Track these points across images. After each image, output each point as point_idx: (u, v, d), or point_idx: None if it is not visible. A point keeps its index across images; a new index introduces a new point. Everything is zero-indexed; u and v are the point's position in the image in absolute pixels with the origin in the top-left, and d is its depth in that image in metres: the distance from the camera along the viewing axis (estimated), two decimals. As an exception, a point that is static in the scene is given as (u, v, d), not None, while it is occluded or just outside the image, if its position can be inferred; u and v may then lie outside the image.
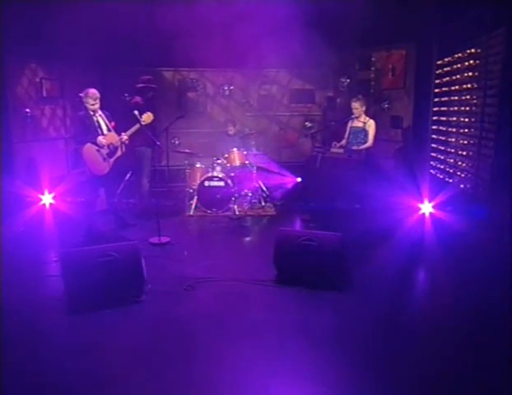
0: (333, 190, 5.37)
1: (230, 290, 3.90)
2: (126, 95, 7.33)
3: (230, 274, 4.18)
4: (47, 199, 5.78)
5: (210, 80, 7.98)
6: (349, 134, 6.09)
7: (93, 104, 5.06)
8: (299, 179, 7.10)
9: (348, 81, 7.76)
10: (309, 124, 8.13)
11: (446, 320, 3.43)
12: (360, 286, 3.93)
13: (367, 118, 5.97)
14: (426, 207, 5.23)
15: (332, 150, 5.84)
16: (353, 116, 5.97)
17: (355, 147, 5.84)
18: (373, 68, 7.26)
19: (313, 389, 2.60)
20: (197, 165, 6.51)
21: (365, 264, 4.30)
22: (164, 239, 5.07)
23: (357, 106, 5.95)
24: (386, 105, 7.02)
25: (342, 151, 5.81)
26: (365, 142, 5.90)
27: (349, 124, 6.12)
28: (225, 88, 7.96)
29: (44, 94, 6.26)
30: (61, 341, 3.12)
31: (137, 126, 5.21)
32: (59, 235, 5.20)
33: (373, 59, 7.24)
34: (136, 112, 5.19)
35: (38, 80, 6.16)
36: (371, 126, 5.91)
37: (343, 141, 6.10)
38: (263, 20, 5.87)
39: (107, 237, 5.08)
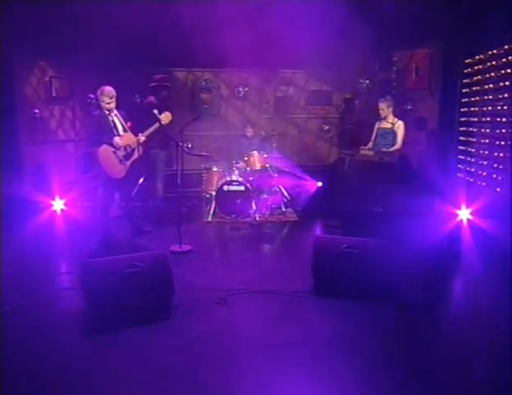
0: (364, 194, 5.04)
1: (265, 304, 3.56)
2: (137, 96, 7.04)
3: (262, 285, 3.83)
4: (58, 205, 5.43)
5: (224, 81, 7.69)
6: (376, 136, 5.78)
7: (108, 103, 4.72)
8: (319, 184, 6.80)
9: (367, 82, 7.50)
10: (327, 127, 7.84)
11: (488, 332, 3.14)
12: (402, 297, 3.59)
13: (395, 119, 5.67)
14: (464, 213, 4.94)
15: (362, 152, 5.52)
16: (381, 117, 5.69)
17: (384, 149, 5.53)
18: (394, 68, 6.98)
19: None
20: (214, 169, 6.18)
21: (405, 274, 3.98)
22: (185, 247, 4.72)
23: (383, 107, 5.67)
24: (409, 107, 6.73)
25: (371, 153, 5.48)
26: (394, 144, 5.59)
27: (376, 125, 5.82)
28: (240, 89, 7.66)
29: (54, 93, 5.96)
30: (80, 363, 2.75)
31: (157, 125, 4.88)
32: (72, 244, 4.85)
33: (394, 59, 6.96)
34: (155, 111, 4.86)
35: (47, 79, 5.87)
36: (400, 127, 5.61)
37: (370, 144, 5.79)
38: (279, 19, 5.63)
39: (122, 245, 4.75)
